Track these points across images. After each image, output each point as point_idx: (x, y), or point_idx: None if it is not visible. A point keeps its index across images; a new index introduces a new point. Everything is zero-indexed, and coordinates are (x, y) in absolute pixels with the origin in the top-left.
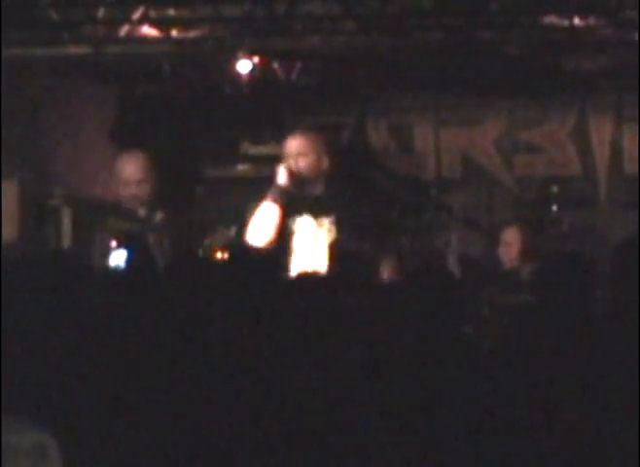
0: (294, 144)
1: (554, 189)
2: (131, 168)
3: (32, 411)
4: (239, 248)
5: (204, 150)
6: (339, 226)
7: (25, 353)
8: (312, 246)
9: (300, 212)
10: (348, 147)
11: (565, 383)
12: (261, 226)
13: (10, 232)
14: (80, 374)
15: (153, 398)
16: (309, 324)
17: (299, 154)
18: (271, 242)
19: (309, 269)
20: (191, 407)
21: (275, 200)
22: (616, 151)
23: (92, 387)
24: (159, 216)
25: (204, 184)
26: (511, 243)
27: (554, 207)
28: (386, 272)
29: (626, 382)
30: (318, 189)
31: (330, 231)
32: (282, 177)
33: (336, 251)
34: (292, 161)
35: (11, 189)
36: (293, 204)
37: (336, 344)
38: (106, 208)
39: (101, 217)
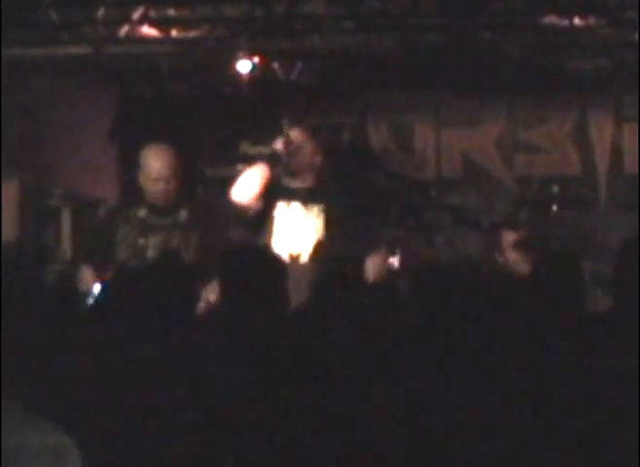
0: (292, 136)
1: (554, 189)
2: (161, 164)
3: (51, 412)
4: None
5: (204, 150)
6: (328, 213)
7: (29, 353)
8: (300, 232)
9: (289, 200)
10: (348, 147)
11: (564, 384)
12: (249, 183)
13: (10, 232)
14: (92, 374)
15: (169, 399)
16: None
17: (296, 146)
18: (256, 201)
19: (296, 253)
20: (199, 404)
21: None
22: (616, 151)
23: (111, 389)
24: (183, 214)
25: (204, 184)
26: (511, 246)
27: (554, 207)
28: (373, 270)
29: (626, 383)
30: (309, 182)
31: (318, 217)
32: (279, 145)
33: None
34: (289, 153)
35: (11, 189)
36: (283, 193)
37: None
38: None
39: (124, 212)
